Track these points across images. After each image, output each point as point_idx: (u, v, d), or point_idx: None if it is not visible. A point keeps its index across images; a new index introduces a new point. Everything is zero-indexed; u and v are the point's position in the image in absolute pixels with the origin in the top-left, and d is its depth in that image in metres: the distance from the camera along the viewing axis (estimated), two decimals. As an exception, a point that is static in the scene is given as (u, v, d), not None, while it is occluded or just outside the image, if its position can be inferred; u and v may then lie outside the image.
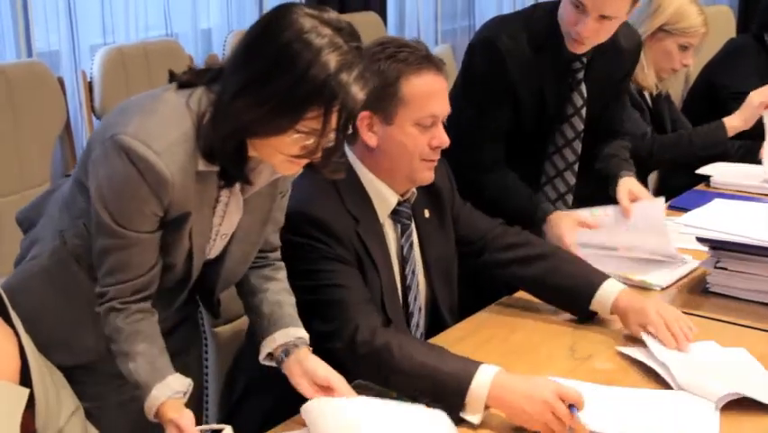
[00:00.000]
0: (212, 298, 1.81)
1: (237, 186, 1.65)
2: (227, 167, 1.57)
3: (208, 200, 1.63)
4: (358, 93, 1.50)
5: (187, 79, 1.60)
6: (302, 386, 1.70)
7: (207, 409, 2.11)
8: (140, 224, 1.57)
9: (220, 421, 2.01)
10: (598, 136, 2.68)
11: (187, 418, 1.59)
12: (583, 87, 2.57)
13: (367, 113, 1.87)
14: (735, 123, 3.06)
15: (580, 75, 2.56)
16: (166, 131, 1.53)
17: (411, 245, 2.02)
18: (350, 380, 1.73)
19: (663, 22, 3.04)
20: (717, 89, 3.50)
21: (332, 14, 1.53)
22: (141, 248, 1.60)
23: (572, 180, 2.66)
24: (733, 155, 3.20)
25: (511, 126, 2.55)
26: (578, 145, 2.62)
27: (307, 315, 1.81)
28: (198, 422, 1.90)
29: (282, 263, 1.84)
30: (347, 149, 1.95)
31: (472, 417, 1.69)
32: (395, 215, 1.99)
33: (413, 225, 2.04)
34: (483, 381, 1.69)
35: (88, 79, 3.58)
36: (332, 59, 1.47)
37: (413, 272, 2.02)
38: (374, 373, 1.80)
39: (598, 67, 2.57)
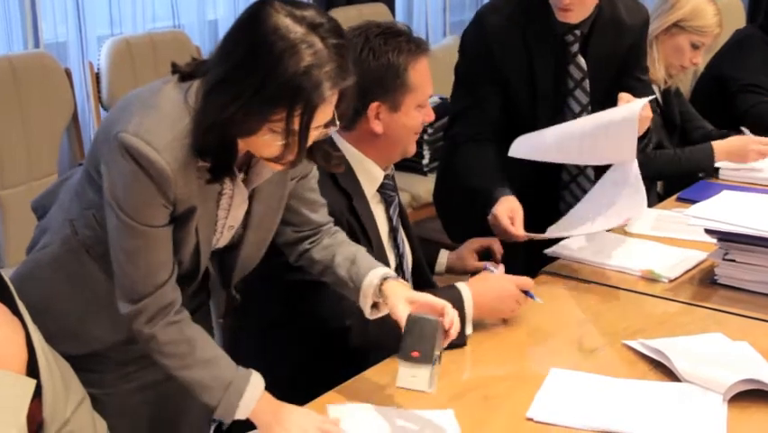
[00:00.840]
0: (229, 285, 1.82)
1: (239, 178, 1.65)
2: (212, 162, 1.57)
3: (212, 194, 1.63)
4: (326, 91, 1.47)
5: (188, 72, 1.59)
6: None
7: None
8: (155, 218, 1.57)
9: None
10: None
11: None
12: (581, 61, 2.56)
13: (376, 103, 1.97)
14: (722, 153, 3.02)
15: (575, 48, 2.55)
16: (166, 127, 1.53)
17: (400, 215, 2.13)
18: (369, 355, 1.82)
19: (680, 18, 3.03)
20: (724, 81, 3.49)
21: (309, 11, 1.50)
22: (164, 241, 1.60)
23: None
24: None
25: (504, 105, 2.55)
26: None
27: (300, 294, 1.86)
28: (209, 412, 1.93)
29: (336, 227, 1.87)
30: (335, 135, 2.01)
31: (468, 328, 1.95)
32: (381, 189, 2.08)
33: (398, 198, 2.13)
34: (468, 299, 1.95)
35: (96, 70, 3.58)
36: (300, 59, 1.45)
37: (402, 241, 2.13)
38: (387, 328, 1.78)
39: (597, 42, 2.56)
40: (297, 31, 1.46)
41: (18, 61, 3.22)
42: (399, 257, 2.11)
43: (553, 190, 2.69)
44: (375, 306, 1.76)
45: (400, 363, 1.61)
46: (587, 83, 2.59)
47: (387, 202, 2.10)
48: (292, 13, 1.48)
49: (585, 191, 2.63)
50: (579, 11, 2.47)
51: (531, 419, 1.68)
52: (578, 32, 2.53)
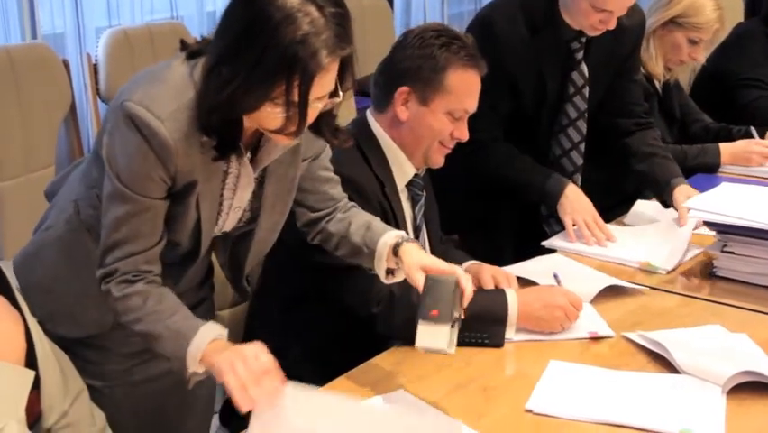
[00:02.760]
0: (241, 274, 1.81)
1: (246, 158, 1.64)
2: (218, 140, 1.56)
3: (216, 172, 1.62)
4: (323, 59, 1.46)
5: (196, 49, 1.60)
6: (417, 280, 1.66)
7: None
8: (151, 189, 1.57)
9: (225, 403, 2.02)
10: (611, 114, 2.69)
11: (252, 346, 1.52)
12: (584, 67, 2.57)
13: (406, 88, 2.00)
14: (726, 156, 3.04)
15: (580, 55, 2.56)
16: (170, 98, 1.53)
17: (423, 216, 2.12)
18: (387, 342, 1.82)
19: (677, 14, 3.02)
20: (725, 75, 3.48)
21: None
22: (153, 214, 1.59)
23: (579, 161, 2.66)
24: (735, 137, 3.18)
25: (511, 110, 2.55)
26: (582, 125, 2.62)
27: (329, 277, 1.89)
28: (211, 404, 1.92)
29: (351, 202, 1.86)
30: (370, 116, 2.05)
31: (511, 332, 1.92)
32: (410, 185, 2.09)
33: (424, 197, 2.13)
34: (513, 304, 1.92)
35: (93, 62, 3.57)
36: (297, 28, 1.44)
37: (425, 242, 2.13)
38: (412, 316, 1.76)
39: (599, 46, 2.56)
40: (292, 0, 1.46)
41: (16, 53, 3.20)
42: None
43: (544, 165, 2.66)
44: (390, 272, 1.75)
45: (420, 324, 1.59)
46: (586, 90, 2.59)
47: (414, 200, 2.11)
48: None
49: (576, 166, 2.65)
50: None
51: (530, 411, 1.68)
52: (583, 40, 2.54)
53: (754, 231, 2.15)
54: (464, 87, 2.00)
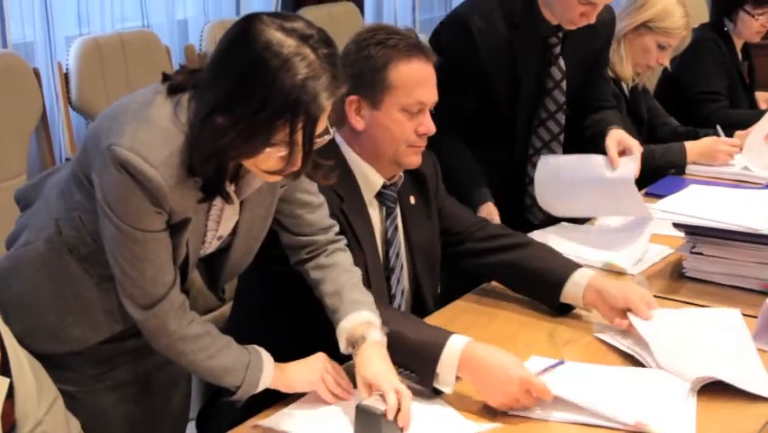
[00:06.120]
0: (217, 286, 1.83)
1: (232, 189, 1.64)
2: (206, 183, 1.57)
3: (203, 206, 1.63)
4: (324, 102, 1.49)
5: (177, 83, 1.58)
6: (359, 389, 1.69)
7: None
8: (155, 223, 1.57)
9: (201, 410, 2.02)
10: (583, 111, 2.72)
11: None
12: (561, 62, 2.60)
13: (355, 97, 1.91)
14: (693, 154, 3.08)
15: (557, 49, 2.59)
16: (161, 143, 1.52)
17: (396, 229, 2.05)
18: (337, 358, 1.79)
19: (648, 18, 3.06)
20: (683, 87, 3.54)
21: (298, 23, 1.50)
22: (167, 244, 1.60)
23: (560, 151, 2.69)
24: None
25: (480, 106, 2.56)
26: (561, 117, 2.65)
27: (284, 288, 1.86)
28: (187, 410, 1.93)
29: (340, 243, 1.85)
30: (334, 131, 1.97)
31: (445, 387, 1.72)
32: (380, 197, 2.02)
33: (398, 209, 2.06)
34: (454, 350, 1.71)
35: (64, 71, 3.56)
36: (297, 71, 1.45)
37: (396, 255, 2.05)
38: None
39: (573, 39, 2.59)
40: (289, 44, 1.46)
41: (-15, 62, 3.20)
42: (388, 271, 2.04)
43: (520, 185, 2.71)
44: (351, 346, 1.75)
45: None
46: (564, 83, 2.63)
47: (387, 212, 2.04)
48: (282, 27, 1.48)
49: None
50: None
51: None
52: (560, 35, 2.57)
53: (722, 232, 2.18)
54: (411, 79, 1.89)
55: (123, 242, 1.57)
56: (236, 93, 1.47)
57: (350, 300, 1.76)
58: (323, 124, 1.54)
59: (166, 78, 1.60)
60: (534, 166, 2.67)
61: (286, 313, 1.94)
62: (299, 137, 1.48)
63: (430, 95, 1.93)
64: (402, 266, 2.07)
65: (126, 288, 1.61)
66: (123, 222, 1.55)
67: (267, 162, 1.52)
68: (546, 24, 2.53)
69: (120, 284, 1.62)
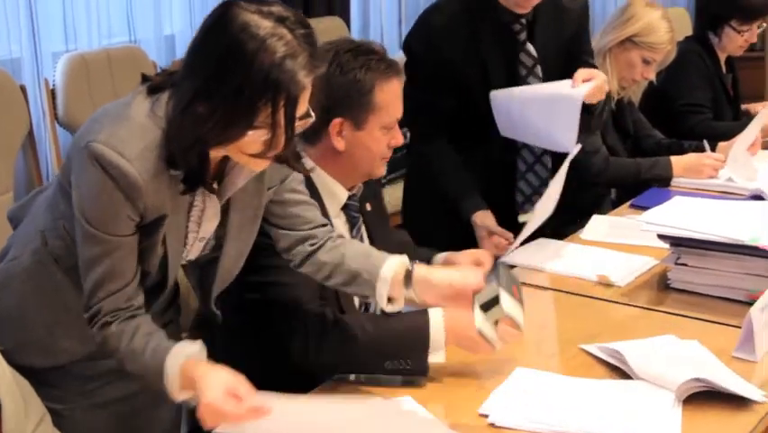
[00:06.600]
0: (209, 299, 1.82)
1: (215, 187, 1.65)
2: (188, 174, 1.58)
3: (182, 205, 1.64)
4: (303, 79, 1.50)
5: (156, 83, 1.60)
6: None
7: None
8: (120, 228, 1.57)
9: (191, 430, 2.02)
10: None
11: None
12: (530, 48, 2.62)
13: (339, 119, 1.95)
14: (678, 168, 3.09)
15: (523, 36, 2.60)
16: (137, 137, 1.54)
17: (362, 238, 2.10)
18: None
19: (633, 33, 3.09)
20: (668, 100, 3.57)
21: (275, 6, 1.52)
22: (126, 251, 1.60)
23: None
24: (686, 151, 3.25)
25: (460, 104, 2.58)
26: None
27: (258, 312, 1.87)
28: (176, 427, 1.92)
29: (336, 232, 1.86)
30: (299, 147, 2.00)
31: (438, 356, 1.83)
32: (345, 209, 2.06)
33: (361, 219, 2.11)
34: (437, 322, 1.83)
35: (51, 87, 3.56)
36: (276, 50, 1.47)
37: None
38: (342, 357, 1.83)
39: (542, 27, 2.62)
40: (265, 25, 1.48)
41: (-28, 78, 3.19)
42: None
43: (510, 181, 2.72)
44: (390, 300, 1.75)
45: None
46: (539, 69, 2.64)
47: (351, 223, 2.08)
48: (259, 10, 1.50)
49: (542, 180, 2.68)
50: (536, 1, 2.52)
51: (485, 415, 1.71)
52: (523, 21, 2.59)
53: (706, 243, 2.20)
54: (392, 98, 1.97)
55: (86, 242, 1.58)
56: (216, 77, 1.48)
57: (380, 255, 1.78)
58: (304, 104, 1.54)
59: (145, 79, 1.62)
60: (524, 161, 2.68)
61: (257, 338, 1.95)
62: (281, 117, 1.49)
63: (402, 109, 2.01)
64: None
65: (84, 288, 1.61)
66: (88, 222, 1.56)
67: (250, 146, 1.53)
68: (505, 12, 2.56)
69: (83, 286, 1.61)
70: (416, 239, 2.87)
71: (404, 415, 1.70)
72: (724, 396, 1.75)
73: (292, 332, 1.85)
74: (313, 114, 1.58)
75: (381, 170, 2.05)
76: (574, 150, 2.29)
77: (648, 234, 2.35)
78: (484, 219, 2.54)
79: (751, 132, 3.16)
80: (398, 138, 2.02)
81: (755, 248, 2.12)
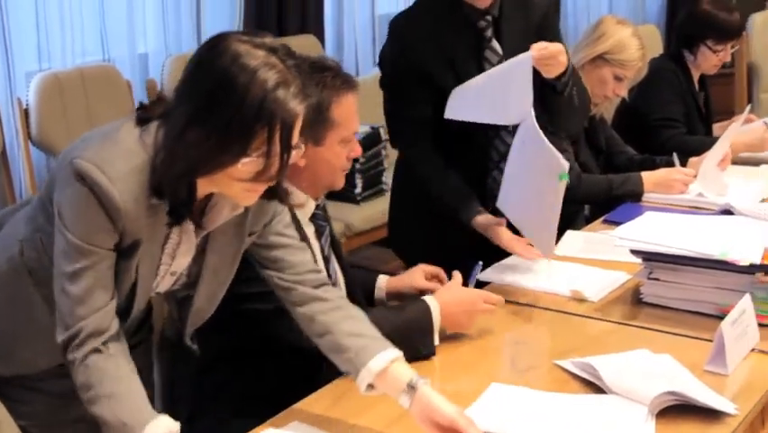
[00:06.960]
0: (182, 336, 1.82)
1: (190, 226, 1.66)
2: (176, 205, 1.59)
3: (159, 235, 1.64)
4: (297, 107, 1.53)
5: (148, 114, 1.61)
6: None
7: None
8: (104, 240, 1.57)
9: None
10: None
11: None
12: (495, 45, 2.63)
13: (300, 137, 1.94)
14: (649, 184, 3.12)
15: (489, 33, 2.62)
16: (122, 160, 1.55)
17: (330, 245, 2.13)
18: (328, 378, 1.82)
19: (604, 50, 3.12)
20: (641, 116, 3.61)
21: (265, 38, 1.56)
22: (108, 265, 1.59)
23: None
24: (658, 166, 3.28)
25: (437, 109, 2.57)
26: None
27: (247, 322, 1.88)
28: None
29: (330, 285, 1.84)
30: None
31: (435, 339, 2.02)
32: (313, 218, 2.09)
33: (328, 228, 2.15)
34: (435, 310, 2.02)
35: (24, 106, 3.54)
36: (268, 79, 1.50)
37: (336, 272, 2.14)
38: None
39: (508, 23, 2.63)
40: (258, 55, 1.51)
41: (-56, 98, 3.17)
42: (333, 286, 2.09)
43: (483, 170, 2.72)
44: (370, 386, 1.72)
45: None
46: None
47: (319, 232, 2.11)
48: (252, 41, 1.53)
49: None
50: None
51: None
52: (489, 18, 2.61)
53: (678, 258, 2.22)
54: (349, 113, 2.00)
55: (69, 255, 1.57)
56: (210, 104, 1.50)
57: (375, 345, 1.72)
58: (297, 132, 1.56)
59: (141, 107, 1.64)
60: (497, 151, 2.70)
61: (239, 361, 1.96)
62: (276, 145, 1.51)
63: (358, 122, 2.06)
64: (339, 277, 2.15)
65: (59, 306, 1.59)
66: (72, 234, 1.56)
67: (242, 173, 1.53)
68: (471, 9, 2.58)
69: (57, 306, 1.59)
70: (402, 244, 2.90)
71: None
72: (697, 409, 1.77)
73: (280, 314, 1.83)
74: (302, 146, 1.59)
75: (341, 182, 2.09)
76: (532, 113, 2.34)
77: (621, 250, 2.36)
78: (487, 217, 2.55)
79: (721, 147, 3.20)
80: (357, 150, 2.07)
81: (725, 262, 2.14)
